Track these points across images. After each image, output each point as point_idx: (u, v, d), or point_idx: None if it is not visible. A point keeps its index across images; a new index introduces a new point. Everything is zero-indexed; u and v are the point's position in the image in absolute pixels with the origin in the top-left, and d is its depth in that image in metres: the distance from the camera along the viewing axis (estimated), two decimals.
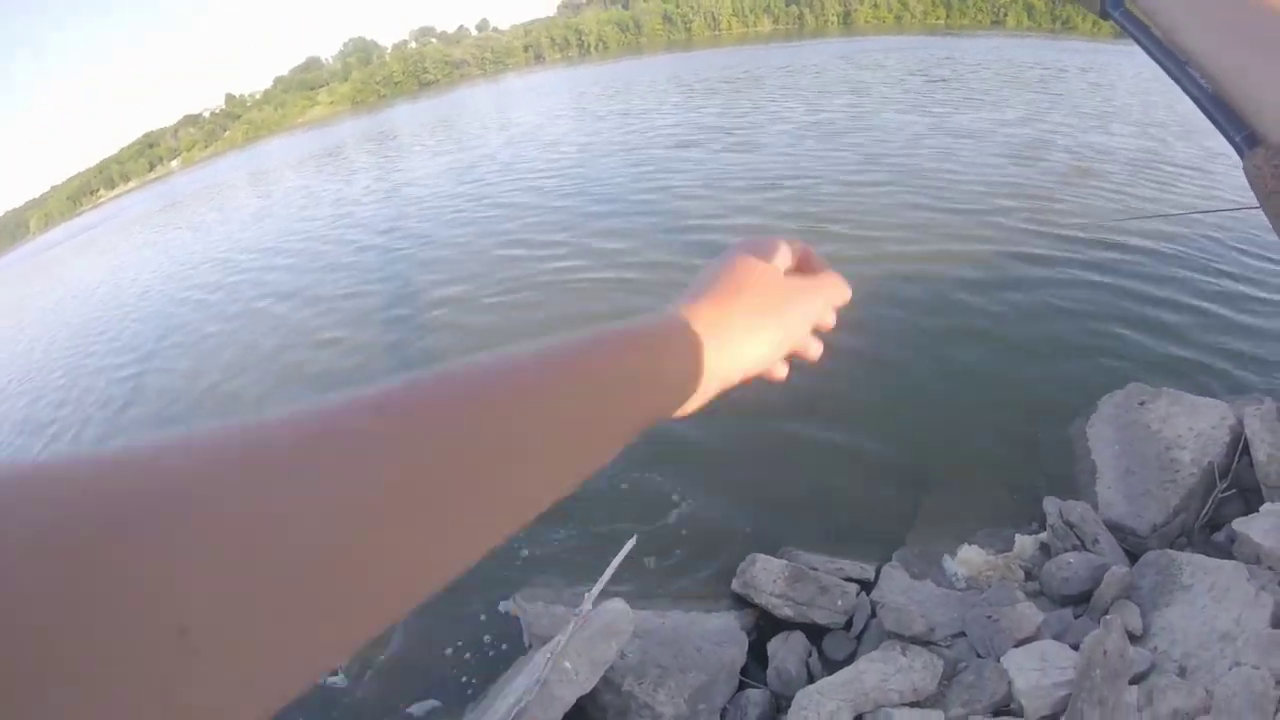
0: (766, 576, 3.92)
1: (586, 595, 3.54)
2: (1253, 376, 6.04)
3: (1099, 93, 20.16)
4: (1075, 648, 3.36)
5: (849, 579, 4.07)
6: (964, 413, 5.87)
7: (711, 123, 19.40)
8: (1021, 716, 3.07)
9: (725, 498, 5.15)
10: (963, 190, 11.00)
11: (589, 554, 4.49)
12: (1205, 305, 7.25)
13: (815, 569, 4.09)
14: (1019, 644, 3.42)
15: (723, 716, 3.43)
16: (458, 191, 16.40)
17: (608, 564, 3.72)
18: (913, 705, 3.22)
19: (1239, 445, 4.70)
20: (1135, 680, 3.30)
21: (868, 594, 4.00)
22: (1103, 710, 3.02)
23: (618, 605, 3.63)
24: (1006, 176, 11.67)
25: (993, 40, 47.68)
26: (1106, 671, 3.08)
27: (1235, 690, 3.12)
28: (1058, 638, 3.57)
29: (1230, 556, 3.87)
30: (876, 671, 3.28)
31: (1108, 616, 3.33)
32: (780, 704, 3.35)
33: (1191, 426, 4.83)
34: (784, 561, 4.06)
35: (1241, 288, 7.55)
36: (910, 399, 6.09)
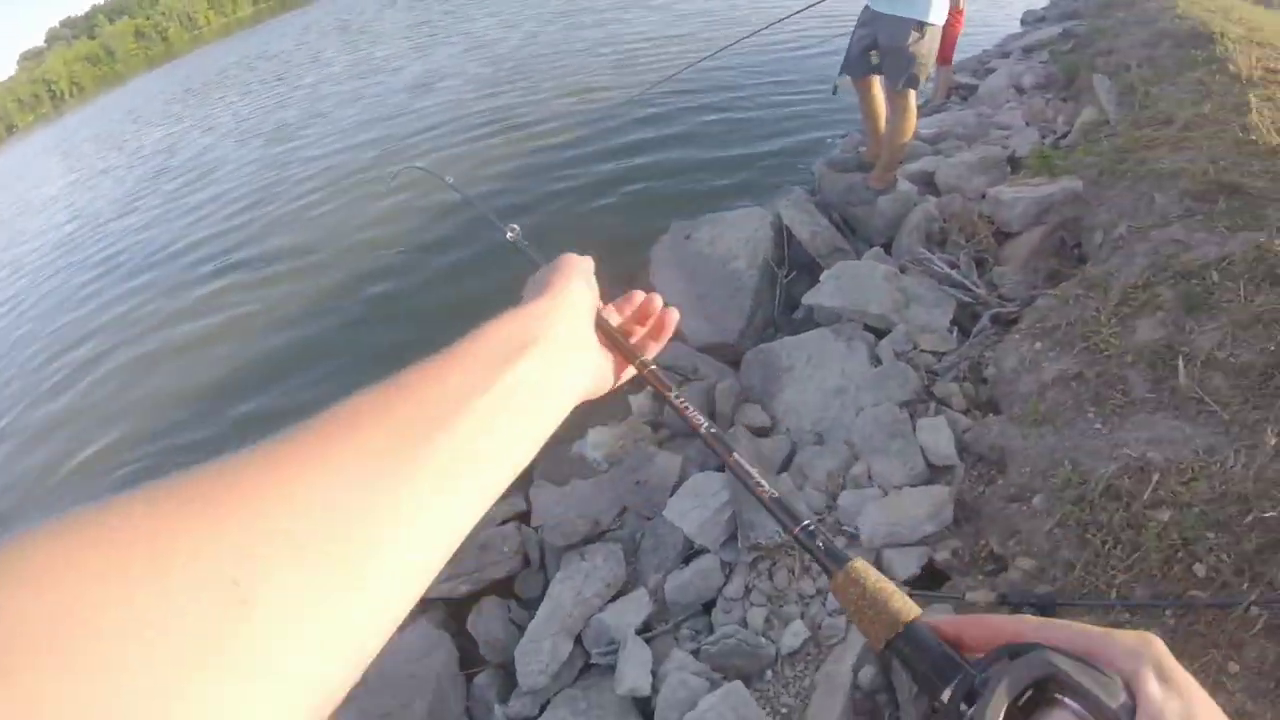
0: None
1: None
2: (772, 180, 6.38)
3: None
4: (721, 469, 3.38)
5: (504, 522, 3.77)
6: None
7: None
8: (709, 550, 3.04)
9: None
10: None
11: None
12: (713, 137, 7.96)
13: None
14: (672, 492, 3.36)
15: (470, 716, 3.10)
16: None
17: None
18: (617, 596, 3.10)
19: (784, 235, 5.13)
20: (785, 468, 3.40)
21: (528, 524, 3.76)
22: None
23: None
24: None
25: None
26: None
27: (870, 430, 3.04)
28: (703, 467, 3.56)
29: (816, 327, 4.13)
30: (569, 588, 3.11)
31: (730, 431, 3.51)
32: (509, 669, 3.06)
33: (737, 237, 5.16)
34: None
35: (738, 115, 8.38)
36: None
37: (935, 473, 3.01)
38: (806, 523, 0.59)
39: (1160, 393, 2.76)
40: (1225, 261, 3.06)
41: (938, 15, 4.23)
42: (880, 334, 3.81)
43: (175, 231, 9.86)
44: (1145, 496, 2.36)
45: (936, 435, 3.03)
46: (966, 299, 3.83)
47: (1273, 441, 2.31)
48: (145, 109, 23.78)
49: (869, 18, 4.45)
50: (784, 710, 2.50)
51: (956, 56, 6.60)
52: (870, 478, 3.04)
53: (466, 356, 0.52)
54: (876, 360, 3.60)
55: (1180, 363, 2.74)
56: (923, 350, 3.56)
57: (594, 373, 0.67)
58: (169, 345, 6.92)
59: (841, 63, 4.76)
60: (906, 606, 0.50)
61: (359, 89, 14.84)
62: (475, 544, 3.51)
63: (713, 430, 0.70)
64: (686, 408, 0.72)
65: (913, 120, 4.65)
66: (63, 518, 0.30)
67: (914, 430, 3.09)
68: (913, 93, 4.50)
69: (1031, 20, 10.04)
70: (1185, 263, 3.16)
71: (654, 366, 0.75)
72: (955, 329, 3.74)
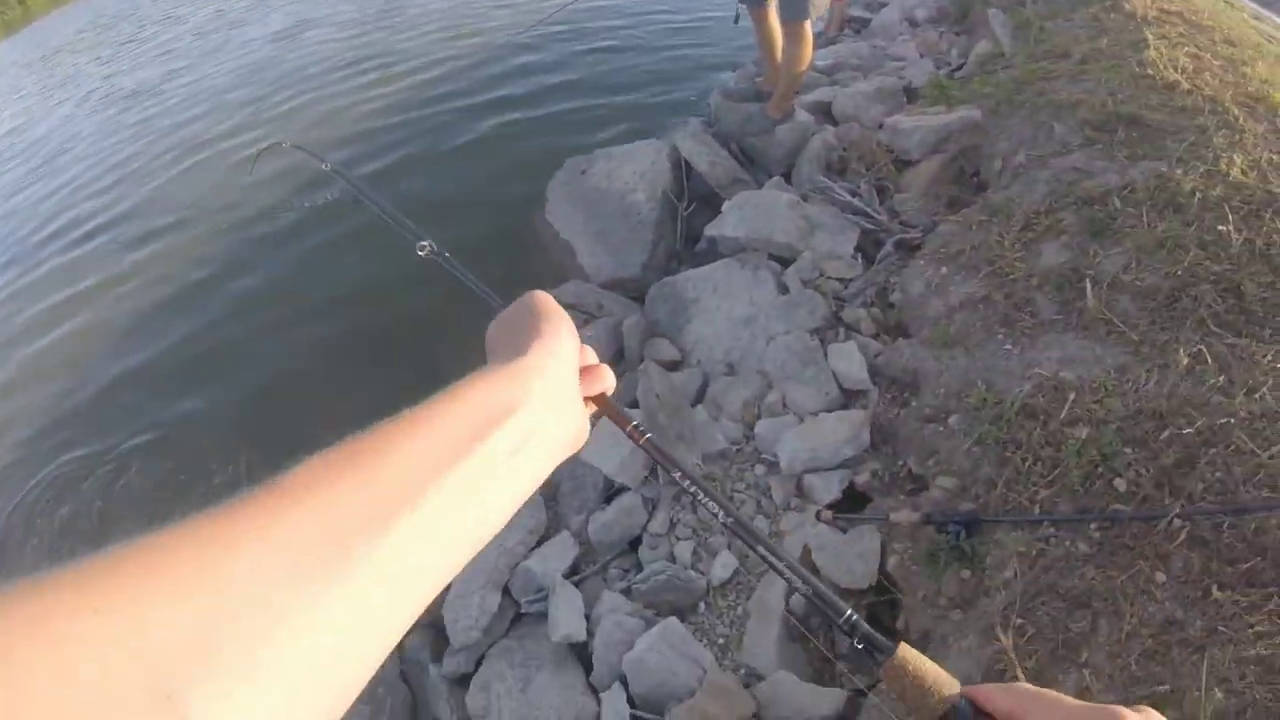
0: None
1: None
2: (667, 113, 6.23)
3: None
4: (636, 405, 3.25)
5: None
6: (422, 266, 5.19)
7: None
8: (630, 489, 2.94)
9: None
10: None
11: None
12: (604, 72, 7.64)
13: None
14: None
15: (405, 680, 2.97)
16: None
17: None
18: (540, 542, 2.98)
19: (682, 167, 4.96)
20: (699, 400, 3.31)
21: None
22: (685, 443, 2.96)
23: None
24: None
25: None
26: (667, 410, 3.03)
27: (782, 358, 2.97)
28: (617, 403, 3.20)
29: (720, 258, 4.01)
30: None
31: (641, 366, 3.34)
32: (439, 628, 2.91)
33: (634, 170, 4.98)
34: None
35: (629, 48, 8.08)
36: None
37: (849, 397, 2.97)
38: (849, 614, 0.61)
39: (1069, 315, 2.78)
40: (1127, 189, 3.10)
41: None
42: (786, 263, 3.72)
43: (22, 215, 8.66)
44: (1062, 415, 2.36)
45: (848, 360, 2.98)
46: (869, 226, 3.78)
47: (1185, 361, 2.34)
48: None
49: None
50: (720, 640, 2.46)
51: None
52: (785, 405, 2.97)
53: (439, 421, 0.47)
54: (784, 289, 3.52)
55: (1088, 285, 2.76)
56: (829, 277, 3.50)
57: (575, 431, 0.61)
58: None
59: None
60: (948, 684, 0.54)
61: (221, 43, 13.49)
62: None
63: (735, 521, 0.68)
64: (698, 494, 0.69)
65: (809, 49, 4.55)
66: None
67: (826, 357, 3.04)
68: (808, 22, 4.41)
69: None
70: (1087, 190, 3.18)
71: (649, 435, 0.72)
72: (860, 256, 3.70)
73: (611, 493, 3.00)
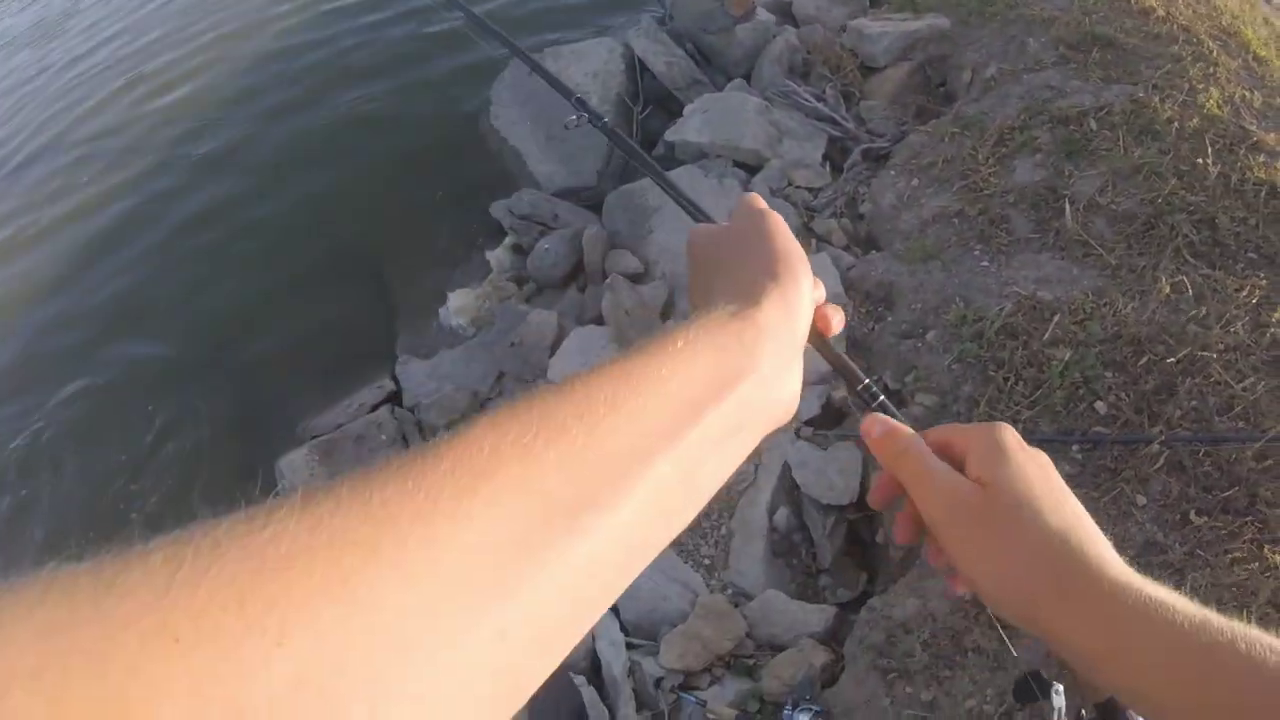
0: (301, 475, 3.21)
1: None
2: (615, 10, 5.91)
3: None
4: (600, 321, 3.23)
5: (374, 407, 3.50)
6: (369, 180, 5.00)
7: None
8: None
9: (208, 429, 3.86)
10: None
11: None
12: None
13: (341, 425, 3.44)
14: (553, 352, 3.19)
15: None
16: None
17: None
18: None
19: (637, 67, 4.72)
20: (665, 312, 3.25)
21: (400, 405, 3.51)
22: None
23: None
24: None
25: None
26: (638, 326, 2.99)
27: None
28: (580, 320, 3.41)
29: (679, 164, 3.89)
30: None
31: (608, 281, 3.23)
32: None
33: (586, 70, 4.73)
34: (305, 448, 3.31)
35: None
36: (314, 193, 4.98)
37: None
38: (867, 381, 0.64)
39: (1045, 234, 2.79)
40: (1103, 111, 3.09)
41: None
42: (751, 170, 3.62)
43: None
44: (1045, 336, 2.36)
45: (822, 273, 2.89)
46: (836, 134, 3.71)
47: (1166, 290, 2.35)
48: None
49: None
50: (707, 562, 2.46)
51: None
52: None
53: (667, 385, 0.39)
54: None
55: (1066, 205, 2.75)
56: (798, 187, 3.44)
57: (791, 399, 0.49)
58: None
59: None
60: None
61: None
62: (350, 437, 3.26)
63: None
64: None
65: None
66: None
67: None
68: None
69: None
70: (1062, 109, 3.17)
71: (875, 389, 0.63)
72: (828, 164, 3.64)
73: None
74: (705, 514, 2.51)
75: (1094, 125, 3.03)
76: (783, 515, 2.35)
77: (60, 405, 4.02)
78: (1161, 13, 3.55)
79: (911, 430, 0.56)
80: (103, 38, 7.79)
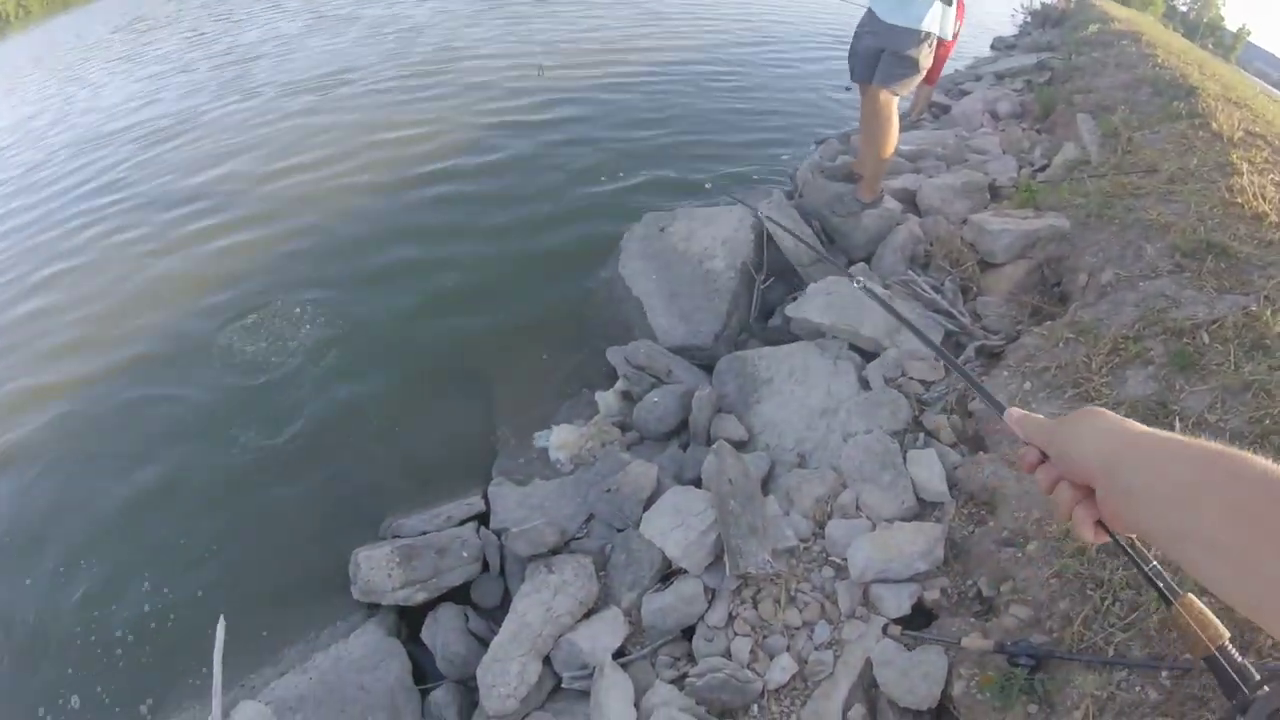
0: (379, 573, 3.27)
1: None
2: (749, 177, 6.36)
3: None
4: (698, 483, 3.31)
5: (462, 522, 3.60)
6: (503, 299, 5.35)
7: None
8: (690, 574, 2.95)
9: (293, 505, 4.02)
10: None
11: (165, 655, 3.38)
12: (688, 130, 7.73)
13: (425, 532, 3.53)
14: (648, 505, 3.26)
15: None
16: None
17: (210, 664, 2.94)
18: (588, 615, 2.97)
19: (763, 239, 5.06)
20: (764, 485, 3.34)
21: (487, 526, 3.59)
22: (757, 537, 2.93)
23: (249, 709, 2.88)
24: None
25: None
26: (740, 498, 3.02)
27: (860, 459, 2.99)
28: (679, 478, 3.51)
29: (793, 338, 4.12)
30: (536, 605, 2.93)
31: (714, 446, 3.29)
32: (469, 685, 2.95)
33: (715, 236, 5.08)
34: (388, 548, 3.38)
35: (698, 113, 8.16)
36: (438, 312, 5.34)
37: (925, 507, 3.01)
38: (1154, 563, 0.97)
39: None
40: (1215, 324, 3.12)
41: (944, 29, 4.24)
42: (865, 355, 3.79)
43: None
44: (1149, 564, 2.37)
45: (928, 469, 3.02)
46: (952, 327, 3.84)
47: None
48: (92, 41, 22.04)
49: (876, 27, 4.40)
50: None
51: None
52: (859, 508, 3.01)
53: None
54: (864, 383, 3.58)
55: (1177, 424, 2.78)
56: (911, 378, 3.55)
57: None
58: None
59: (850, 67, 4.72)
60: (1219, 631, 0.85)
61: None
62: (433, 548, 3.35)
63: None
64: None
65: (894, 130, 4.64)
66: None
67: (905, 462, 3.08)
68: (894, 100, 4.50)
69: (1002, 46, 10.23)
70: (1176, 320, 3.21)
71: None
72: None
73: (668, 573, 3.03)
74: (776, 698, 2.56)
75: (1206, 339, 3.07)
76: (857, 713, 2.36)
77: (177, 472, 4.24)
78: (1275, 218, 3.60)
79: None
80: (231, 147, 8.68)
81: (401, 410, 4.46)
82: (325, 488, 4.03)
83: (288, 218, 6.57)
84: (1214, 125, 4.74)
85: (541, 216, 6.19)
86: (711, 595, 2.86)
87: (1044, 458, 0.96)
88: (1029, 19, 13.76)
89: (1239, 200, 3.83)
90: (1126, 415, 2.79)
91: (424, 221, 6.28)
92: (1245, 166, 4.13)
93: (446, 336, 5.04)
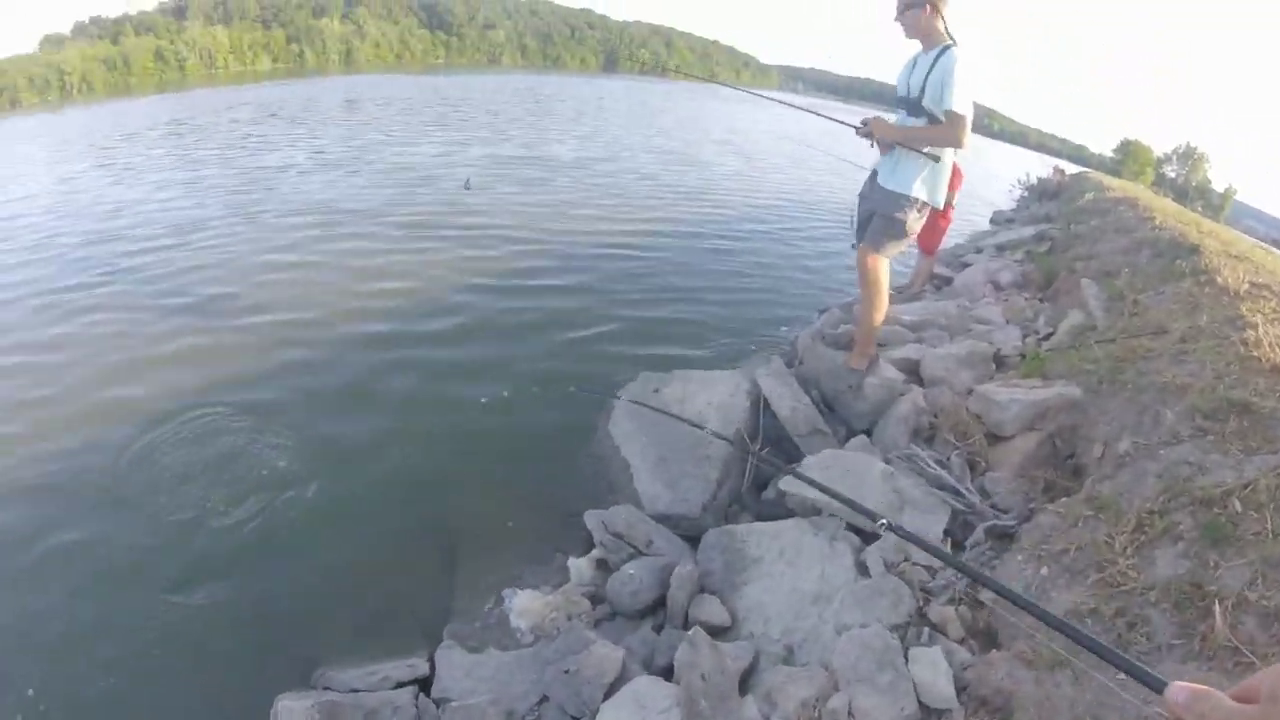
0: None
1: None
2: (748, 344, 6.27)
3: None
4: (670, 672, 2.93)
5: (400, 684, 3.20)
6: (474, 453, 5.12)
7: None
8: None
9: (224, 637, 3.61)
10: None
11: None
12: (684, 298, 7.85)
13: (357, 690, 3.15)
14: (610, 692, 2.87)
15: None
16: None
17: None
18: None
19: (760, 406, 4.81)
20: (744, 680, 2.96)
21: (427, 693, 3.18)
22: None
23: None
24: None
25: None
26: (713, 698, 2.70)
27: (855, 656, 2.67)
28: (647, 664, 3.12)
29: (788, 513, 3.79)
30: None
31: (690, 633, 2.95)
32: None
33: (709, 400, 4.85)
34: (309, 702, 2.97)
35: (704, 280, 8.29)
36: (407, 451, 5.11)
37: (928, 715, 2.57)
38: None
39: (1189, 639, 2.42)
40: (1247, 489, 2.80)
41: (935, 195, 4.21)
42: (865, 537, 3.43)
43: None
44: None
45: (933, 670, 2.61)
46: (959, 506, 3.51)
47: None
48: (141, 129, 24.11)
49: (874, 191, 4.42)
50: None
51: None
52: (851, 714, 2.57)
53: None
54: (861, 567, 3.21)
55: (1217, 608, 2.41)
56: (915, 563, 3.17)
57: None
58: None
59: (853, 231, 4.74)
60: None
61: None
62: (361, 709, 2.96)
63: None
64: None
65: (883, 296, 4.54)
66: None
67: (906, 661, 2.67)
68: (884, 265, 4.42)
69: (1001, 220, 10.40)
70: (1204, 488, 2.89)
71: None
72: (948, 540, 3.38)
73: None
74: None
75: (1238, 506, 2.72)
76: None
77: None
78: None
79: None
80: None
81: (355, 550, 4.10)
82: (259, 622, 3.64)
83: (269, 349, 6.47)
84: (1219, 280, 4.60)
85: (538, 371, 6.12)
86: None
87: None
88: (1026, 193, 14.18)
89: (1255, 354, 3.60)
90: (1158, 601, 2.43)
91: (407, 358, 6.26)
92: (1259, 319, 3.92)
93: (413, 480, 4.75)
